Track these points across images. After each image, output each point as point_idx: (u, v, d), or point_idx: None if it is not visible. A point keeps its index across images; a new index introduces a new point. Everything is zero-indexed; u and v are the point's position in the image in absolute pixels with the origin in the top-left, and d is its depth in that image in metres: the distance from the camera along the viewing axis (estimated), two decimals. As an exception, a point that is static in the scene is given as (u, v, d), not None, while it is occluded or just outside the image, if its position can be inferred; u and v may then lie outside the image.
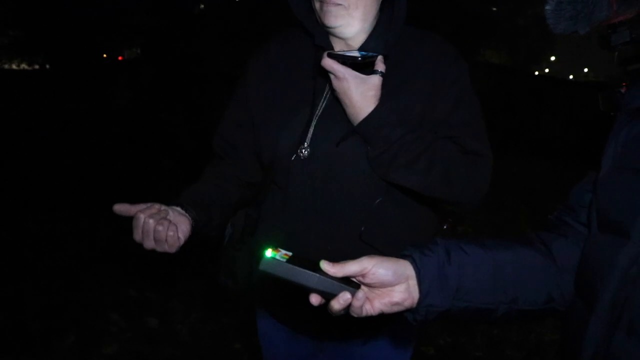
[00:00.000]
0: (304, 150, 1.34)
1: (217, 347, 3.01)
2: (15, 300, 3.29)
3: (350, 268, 0.91)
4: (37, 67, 9.26)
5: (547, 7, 0.92)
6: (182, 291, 3.49)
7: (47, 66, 8.94)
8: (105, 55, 8.71)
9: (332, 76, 1.26)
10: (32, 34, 8.32)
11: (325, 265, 0.91)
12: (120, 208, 1.26)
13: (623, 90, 0.94)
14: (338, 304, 0.91)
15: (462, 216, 5.07)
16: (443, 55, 1.37)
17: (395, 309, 0.94)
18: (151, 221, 1.22)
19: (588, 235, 0.92)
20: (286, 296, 1.14)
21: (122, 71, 8.61)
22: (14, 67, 9.68)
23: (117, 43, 9.05)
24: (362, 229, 1.34)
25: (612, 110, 0.96)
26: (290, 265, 0.92)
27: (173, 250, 1.27)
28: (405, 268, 0.93)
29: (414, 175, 1.27)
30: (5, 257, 3.83)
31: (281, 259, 0.92)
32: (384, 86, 1.27)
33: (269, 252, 0.93)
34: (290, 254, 0.95)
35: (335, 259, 1.12)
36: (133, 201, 1.28)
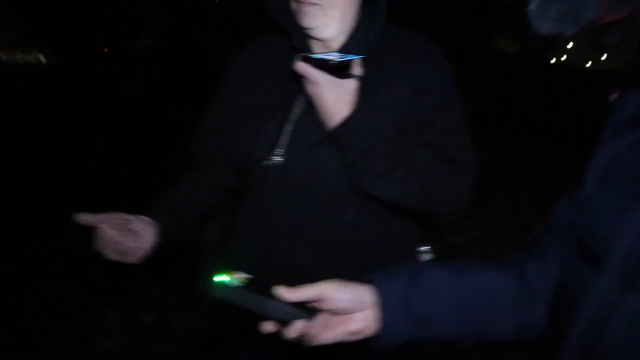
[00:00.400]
0: (277, 156, 1.29)
1: (212, 343, 2.97)
2: (10, 298, 3.27)
3: (306, 293, 0.86)
4: (43, 60, 9.23)
5: (531, 7, 0.86)
6: (180, 287, 3.44)
7: (53, 60, 8.91)
8: (106, 49, 8.62)
9: (306, 80, 1.20)
10: (38, 27, 8.27)
11: (280, 291, 0.86)
12: (83, 218, 1.22)
13: (613, 97, 0.87)
14: (292, 332, 0.86)
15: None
16: (425, 56, 1.31)
17: (354, 337, 0.88)
18: (111, 232, 1.21)
19: (567, 260, 0.85)
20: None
21: (132, 63, 8.52)
22: (20, 61, 9.67)
23: (125, 35, 8.97)
24: (334, 239, 1.29)
25: (600, 119, 0.89)
26: (242, 291, 0.88)
27: (135, 261, 1.26)
28: (366, 295, 0.87)
29: (389, 186, 1.21)
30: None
31: (232, 284, 0.88)
32: (361, 90, 1.20)
33: (218, 277, 0.89)
34: (248, 277, 0.90)
35: (309, 271, 1.15)
36: (136, 204, 1.31)
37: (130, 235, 1.24)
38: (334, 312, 0.87)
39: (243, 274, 0.91)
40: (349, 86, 1.19)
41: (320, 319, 0.87)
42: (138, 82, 8.17)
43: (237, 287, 0.88)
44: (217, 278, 0.89)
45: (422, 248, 1.46)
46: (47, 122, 6.76)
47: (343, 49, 1.28)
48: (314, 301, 0.87)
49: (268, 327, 0.89)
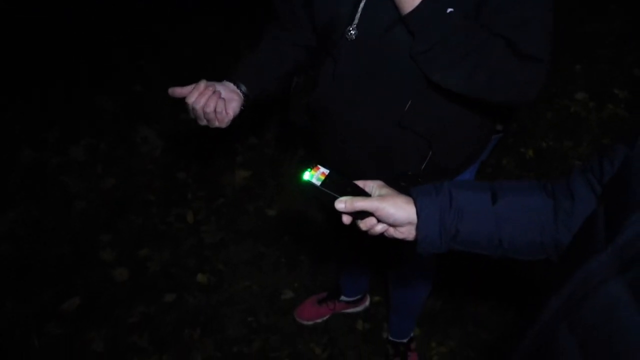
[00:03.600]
0: (351, 31, 1.30)
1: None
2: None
3: (361, 204, 1.01)
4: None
5: None
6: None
7: None
8: None
9: None
10: None
11: (338, 205, 1.02)
12: (174, 91, 1.37)
13: None
14: (364, 225, 1.06)
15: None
16: None
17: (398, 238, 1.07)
18: (198, 107, 1.34)
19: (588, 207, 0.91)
20: None
21: None
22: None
23: None
24: (403, 114, 1.35)
25: None
26: (321, 189, 1.04)
27: (223, 126, 1.40)
28: (410, 214, 1.01)
29: (455, 78, 1.21)
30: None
31: (316, 182, 1.04)
32: None
33: (306, 175, 1.04)
34: (327, 172, 1.04)
35: (377, 140, 1.45)
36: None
37: (217, 102, 1.34)
38: (382, 220, 1.04)
39: (323, 168, 1.05)
40: None
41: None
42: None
43: (319, 186, 1.03)
44: (304, 176, 1.03)
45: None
46: None
47: None
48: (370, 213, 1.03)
49: (345, 219, 1.07)
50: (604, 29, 4.41)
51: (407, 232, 1.04)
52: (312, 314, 2.54)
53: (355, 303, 2.56)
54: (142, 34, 4.30)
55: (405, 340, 2.36)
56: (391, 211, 1.00)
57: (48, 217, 2.95)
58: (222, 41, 4.26)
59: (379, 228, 1.05)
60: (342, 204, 1.01)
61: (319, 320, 2.54)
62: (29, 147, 3.36)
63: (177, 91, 1.36)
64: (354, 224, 1.08)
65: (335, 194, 1.02)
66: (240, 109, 1.43)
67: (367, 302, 2.62)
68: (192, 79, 1.37)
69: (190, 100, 1.33)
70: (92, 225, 2.93)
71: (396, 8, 1.19)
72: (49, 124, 3.51)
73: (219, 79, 1.45)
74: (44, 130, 3.47)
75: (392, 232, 1.05)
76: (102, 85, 3.83)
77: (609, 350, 0.66)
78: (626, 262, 0.66)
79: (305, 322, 2.54)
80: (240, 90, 1.44)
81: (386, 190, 1.05)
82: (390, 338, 2.39)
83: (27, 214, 2.95)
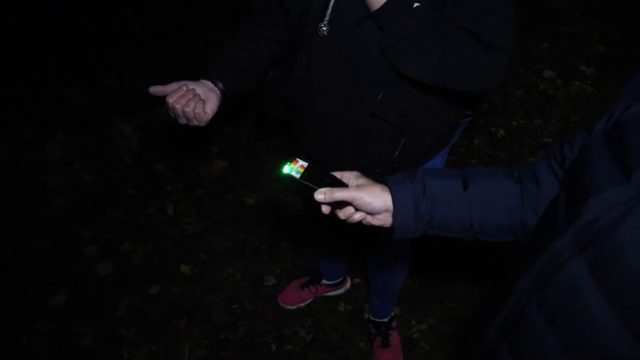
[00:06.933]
0: (323, 27, 1.35)
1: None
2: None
3: (339, 194, 1.05)
4: None
5: None
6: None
7: None
8: None
9: None
10: None
11: (318, 196, 1.05)
12: (155, 90, 1.41)
13: None
14: (343, 214, 1.11)
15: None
16: None
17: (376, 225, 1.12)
18: (178, 106, 1.39)
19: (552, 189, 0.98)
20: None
21: None
22: None
23: None
24: (375, 104, 1.41)
25: None
26: (303, 182, 1.07)
27: (202, 124, 1.45)
28: (386, 201, 1.06)
29: (423, 70, 1.27)
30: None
31: (296, 175, 1.07)
32: None
33: (286, 168, 1.07)
34: (306, 164, 1.08)
35: (351, 129, 1.48)
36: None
37: (196, 103, 1.39)
38: (361, 209, 1.09)
39: (302, 160, 1.08)
40: None
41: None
42: None
43: (297, 178, 1.07)
44: (284, 169, 1.07)
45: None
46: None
47: None
48: (348, 202, 1.07)
49: (325, 209, 1.11)
50: (567, 5, 4.50)
51: (384, 219, 1.09)
52: (295, 298, 2.61)
53: (336, 286, 2.64)
54: (108, 24, 4.27)
55: (386, 320, 2.44)
56: (368, 200, 1.05)
57: (28, 215, 2.95)
58: (189, 31, 4.25)
59: (357, 216, 1.10)
60: (322, 195, 1.05)
61: (302, 304, 2.62)
62: (2, 146, 3.33)
63: (159, 89, 1.41)
64: (332, 213, 1.13)
65: (314, 186, 1.06)
66: (218, 106, 1.48)
67: (347, 285, 2.70)
68: (162, 71, 1.38)
69: (171, 100, 1.39)
70: (72, 221, 2.94)
71: (365, 4, 1.25)
72: (21, 122, 3.48)
73: (187, 70, 1.48)
74: (18, 128, 3.44)
75: (369, 219, 1.11)
76: (71, 79, 3.79)
77: (573, 322, 0.74)
78: (585, 243, 0.73)
79: (288, 307, 2.61)
80: (218, 88, 1.49)
81: (363, 180, 1.10)
82: (372, 318, 2.48)
83: (7, 213, 2.94)
